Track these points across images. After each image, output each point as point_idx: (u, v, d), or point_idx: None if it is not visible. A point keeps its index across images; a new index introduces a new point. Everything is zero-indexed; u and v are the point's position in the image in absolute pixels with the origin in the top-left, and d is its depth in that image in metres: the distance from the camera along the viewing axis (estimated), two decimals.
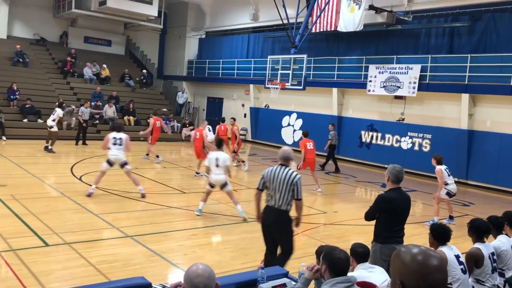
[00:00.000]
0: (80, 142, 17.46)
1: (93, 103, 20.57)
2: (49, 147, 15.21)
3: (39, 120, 18.68)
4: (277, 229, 5.38)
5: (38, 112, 18.84)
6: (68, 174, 11.85)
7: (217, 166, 8.67)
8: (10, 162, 12.89)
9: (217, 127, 15.03)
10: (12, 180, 10.59)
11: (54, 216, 7.97)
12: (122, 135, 9.75)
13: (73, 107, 19.11)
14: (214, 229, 8.16)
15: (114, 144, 9.65)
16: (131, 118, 21.26)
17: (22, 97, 19.02)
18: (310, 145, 12.05)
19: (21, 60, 21.51)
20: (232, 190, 8.96)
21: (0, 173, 11.38)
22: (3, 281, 5.20)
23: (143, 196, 9.73)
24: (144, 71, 25.46)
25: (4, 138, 16.71)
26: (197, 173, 13.11)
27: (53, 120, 15.31)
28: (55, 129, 15.33)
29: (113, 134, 9.80)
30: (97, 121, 20.21)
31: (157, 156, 14.95)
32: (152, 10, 22.92)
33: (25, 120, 18.38)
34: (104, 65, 23.48)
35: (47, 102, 19.65)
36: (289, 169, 5.35)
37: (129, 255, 6.36)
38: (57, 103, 17.92)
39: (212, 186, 8.81)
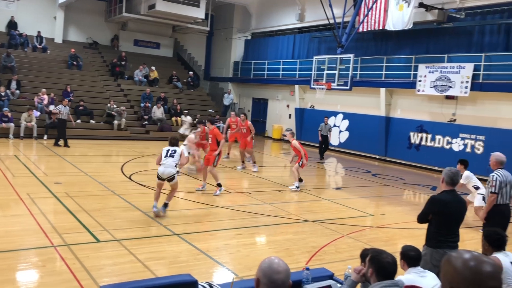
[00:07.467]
0: (62, 142, 15.94)
1: (142, 105, 21.18)
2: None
3: (91, 121, 19.43)
4: None
5: (91, 113, 19.59)
6: (118, 173, 12.25)
7: None
8: (64, 161, 13.49)
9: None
10: (66, 178, 11.08)
11: (105, 213, 8.25)
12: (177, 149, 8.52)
13: (123, 108, 19.77)
14: (259, 229, 8.18)
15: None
16: (179, 119, 21.70)
17: (75, 99, 19.83)
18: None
19: (75, 63, 22.46)
20: None
21: (55, 171, 11.95)
22: (58, 274, 5.45)
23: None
24: (191, 72, 25.94)
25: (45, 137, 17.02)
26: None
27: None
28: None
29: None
30: (146, 122, 20.77)
31: None
32: (199, 13, 23.31)
33: (78, 121, 19.13)
34: (153, 67, 24.13)
35: (99, 103, 20.43)
36: None
37: (176, 252, 6.49)
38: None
39: None
